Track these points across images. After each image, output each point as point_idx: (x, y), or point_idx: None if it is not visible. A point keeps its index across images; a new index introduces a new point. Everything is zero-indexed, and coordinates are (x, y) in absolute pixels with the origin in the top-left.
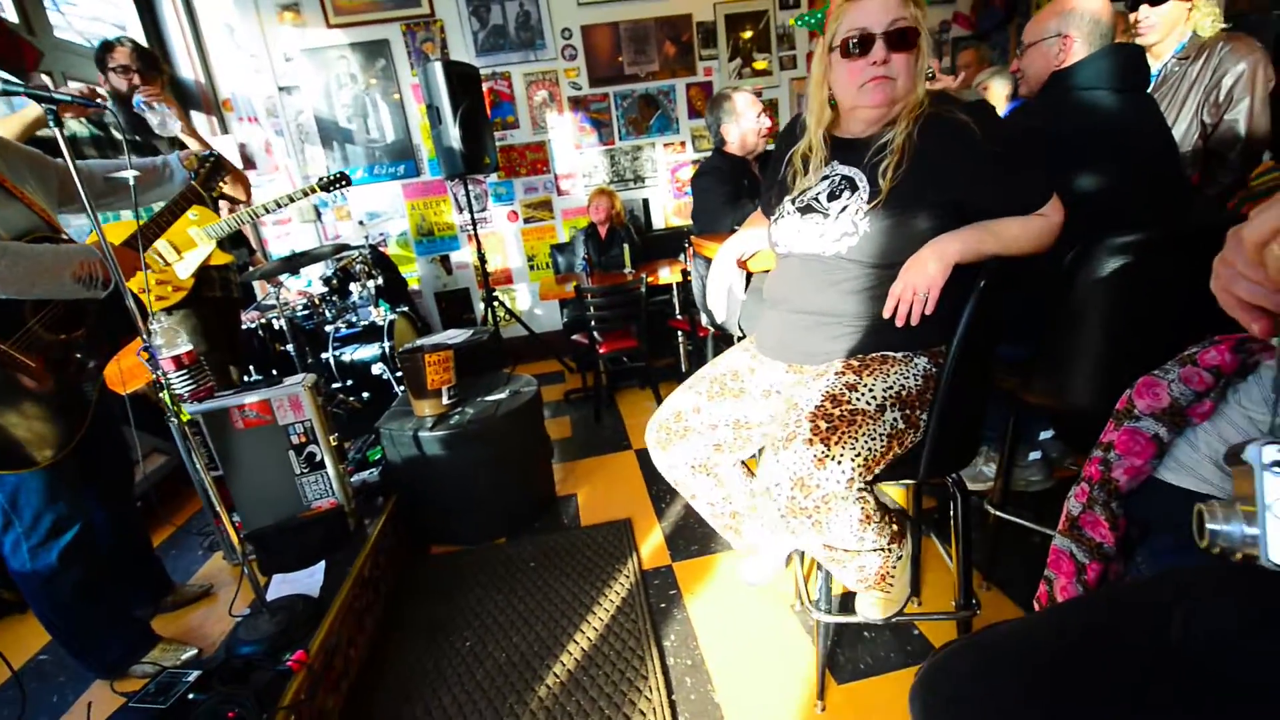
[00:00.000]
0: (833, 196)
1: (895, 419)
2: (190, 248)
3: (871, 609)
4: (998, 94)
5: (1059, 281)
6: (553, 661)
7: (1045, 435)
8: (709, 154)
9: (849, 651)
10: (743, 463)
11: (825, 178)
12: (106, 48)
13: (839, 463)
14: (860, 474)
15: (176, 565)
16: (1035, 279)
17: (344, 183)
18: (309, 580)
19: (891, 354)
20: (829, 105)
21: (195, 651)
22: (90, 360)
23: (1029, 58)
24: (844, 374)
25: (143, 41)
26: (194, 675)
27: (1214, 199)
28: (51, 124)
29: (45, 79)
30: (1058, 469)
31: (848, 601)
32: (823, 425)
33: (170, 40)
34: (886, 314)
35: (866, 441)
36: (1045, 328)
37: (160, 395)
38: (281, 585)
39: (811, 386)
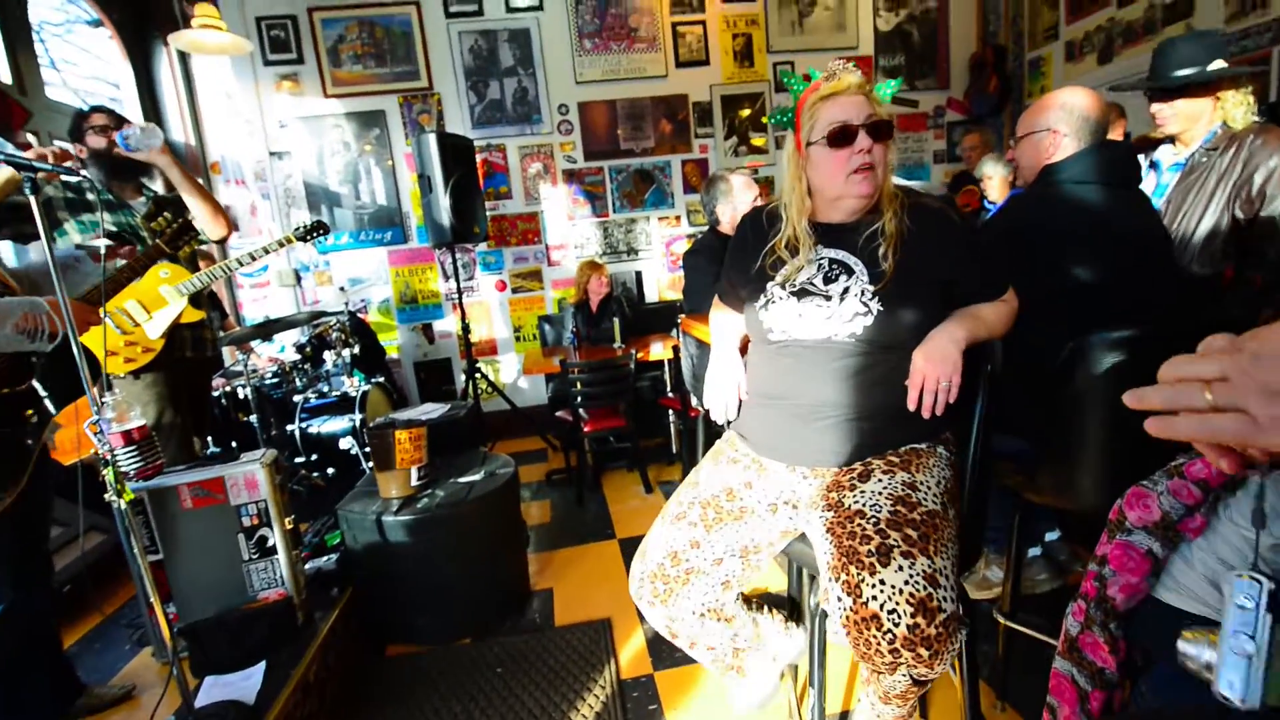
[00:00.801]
0: (828, 280)
1: (954, 517)
2: (160, 306)
3: None
4: (998, 179)
5: (1056, 375)
6: None
7: (1051, 536)
8: (704, 230)
9: None
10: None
11: (814, 263)
12: (82, 116)
13: (947, 576)
14: (959, 587)
15: (99, 662)
16: (1030, 369)
17: (322, 231)
18: (244, 684)
19: (919, 446)
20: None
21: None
22: (37, 415)
23: (1022, 149)
24: (893, 472)
25: (138, 104)
26: None
27: (1249, 294)
28: (28, 192)
29: (31, 138)
30: (1070, 576)
31: (843, 716)
32: (913, 534)
33: (164, 103)
34: (911, 405)
35: (952, 547)
36: (1046, 421)
37: (103, 472)
38: (213, 689)
39: (867, 490)
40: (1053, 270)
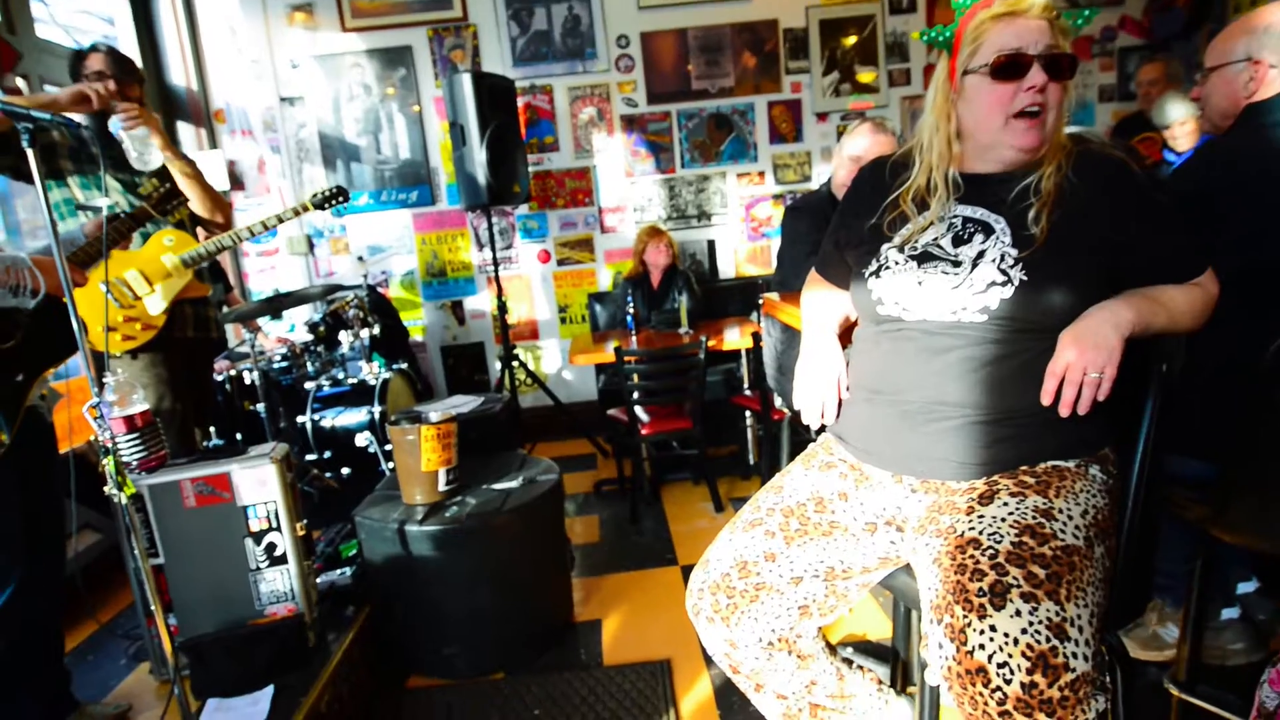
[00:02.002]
0: (959, 242)
1: (1102, 555)
2: (163, 278)
3: None
4: (1188, 124)
5: (1258, 378)
6: None
7: (1246, 588)
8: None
9: None
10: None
11: (944, 221)
12: (80, 56)
13: (1079, 628)
14: (1098, 642)
15: (92, 678)
16: (1221, 371)
17: (341, 198)
18: (251, 709)
19: (1064, 464)
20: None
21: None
22: (20, 374)
23: (1211, 85)
24: (1024, 495)
25: (134, 42)
26: None
27: None
28: (26, 143)
29: (21, 83)
30: (1273, 639)
31: None
32: (1040, 572)
33: (164, 42)
34: (1046, 399)
35: (1094, 592)
36: (1241, 439)
37: (103, 462)
38: (216, 713)
39: (987, 514)
40: (1255, 242)
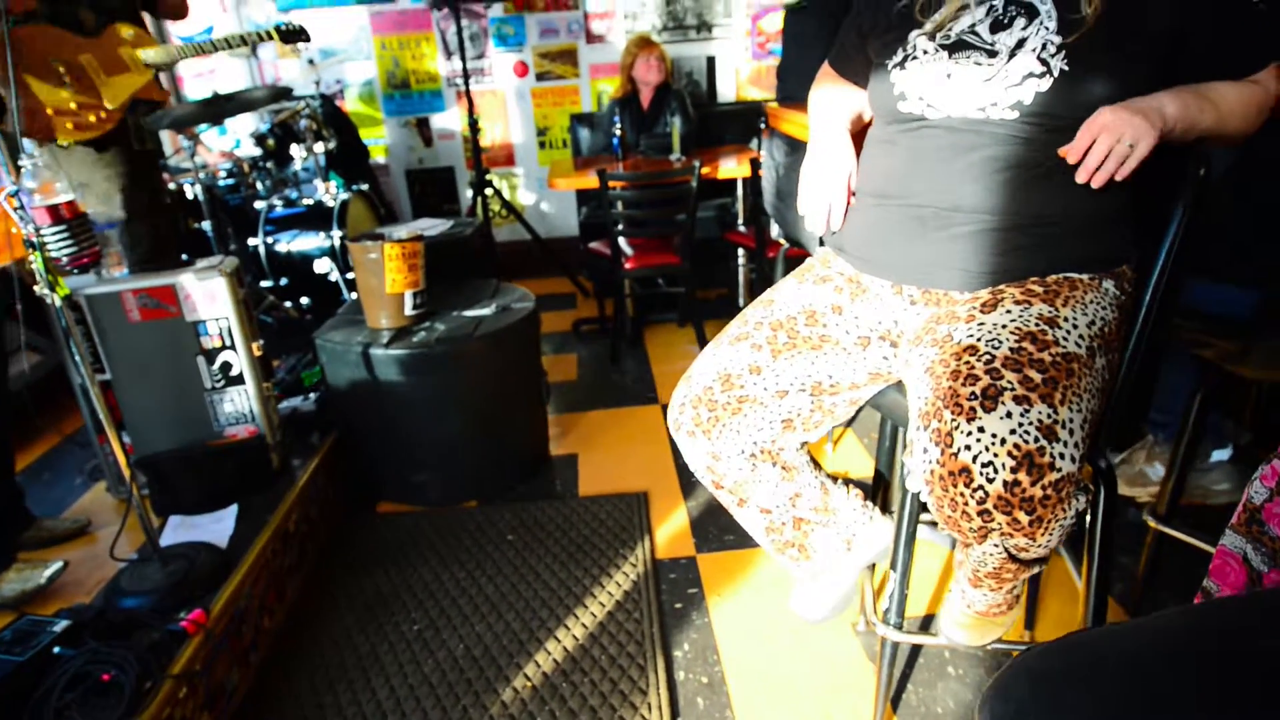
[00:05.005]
0: (998, 27)
1: (1104, 367)
2: (120, 72)
3: (960, 631)
4: None
5: None
6: (524, 660)
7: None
8: None
9: (925, 690)
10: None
11: (985, 4)
12: None
13: (1070, 431)
14: (1088, 447)
15: (46, 496)
16: (1266, 188)
17: (303, 38)
18: (215, 526)
19: (1077, 275)
20: None
21: (61, 565)
22: None
23: None
24: (1028, 303)
25: None
26: (62, 625)
27: None
28: None
29: None
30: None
31: (928, 621)
32: (1035, 377)
33: None
34: (1071, 157)
35: (1090, 400)
36: None
37: (30, 262)
38: (179, 529)
39: (988, 321)
40: None
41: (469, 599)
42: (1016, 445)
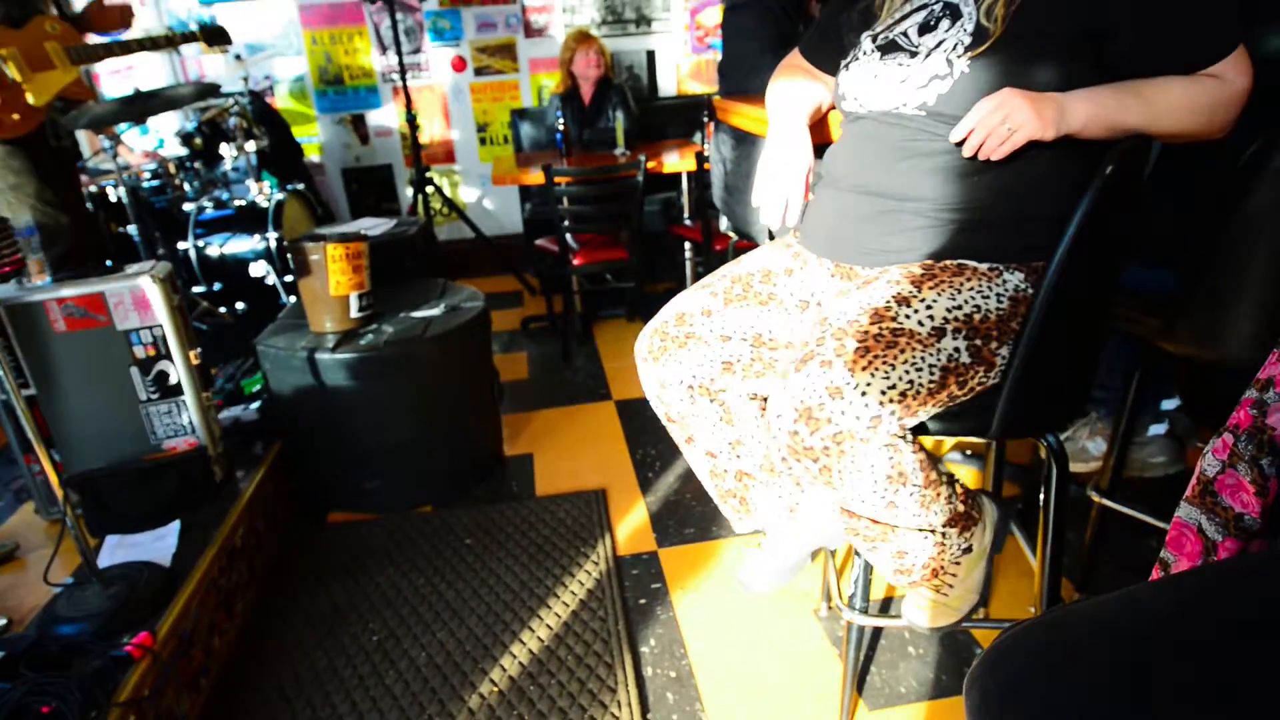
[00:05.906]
0: (925, 29)
1: (957, 349)
2: (46, 68)
3: (918, 613)
4: None
5: (1232, 181)
6: (490, 665)
7: (1170, 405)
8: None
9: (887, 671)
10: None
11: (924, 6)
12: None
13: (862, 393)
14: (893, 413)
15: None
16: (1192, 172)
17: (225, 40)
18: (157, 545)
19: (973, 264)
20: None
21: (3, 623)
22: None
23: None
24: (899, 284)
25: None
26: None
27: None
28: None
29: None
30: (1191, 450)
31: (893, 606)
32: (849, 346)
33: None
34: (954, 136)
35: (907, 371)
36: (1203, 247)
37: None
38: (118, 549)
39: (853, 298)
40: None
41: (429, 606)
42: (801, 401)
